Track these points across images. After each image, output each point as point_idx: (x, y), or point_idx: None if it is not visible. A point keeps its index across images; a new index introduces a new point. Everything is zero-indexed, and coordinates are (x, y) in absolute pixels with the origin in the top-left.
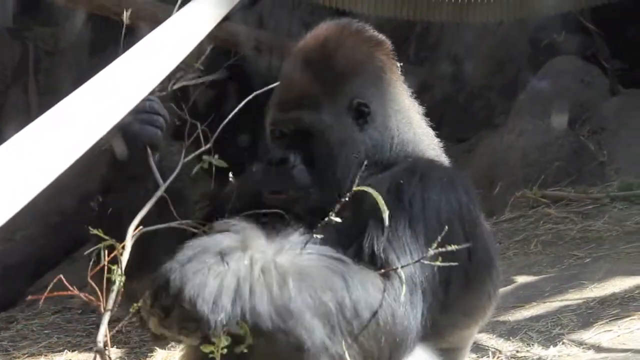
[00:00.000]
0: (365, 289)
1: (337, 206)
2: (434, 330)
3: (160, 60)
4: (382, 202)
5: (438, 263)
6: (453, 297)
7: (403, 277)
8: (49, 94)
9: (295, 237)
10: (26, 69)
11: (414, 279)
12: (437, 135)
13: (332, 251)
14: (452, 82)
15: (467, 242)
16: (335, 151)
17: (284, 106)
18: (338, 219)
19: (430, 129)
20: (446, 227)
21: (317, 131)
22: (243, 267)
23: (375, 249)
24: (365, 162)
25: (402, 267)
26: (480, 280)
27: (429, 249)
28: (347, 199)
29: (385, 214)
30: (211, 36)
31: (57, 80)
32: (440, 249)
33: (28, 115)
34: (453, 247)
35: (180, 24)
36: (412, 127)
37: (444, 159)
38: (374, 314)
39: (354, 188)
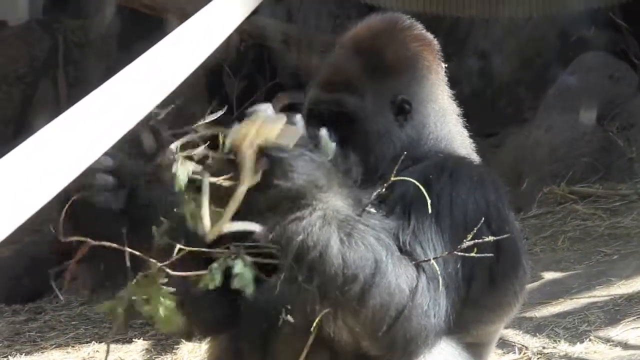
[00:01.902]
0: (391, 276)
1: (373, 197)
2: (459, 324)
3: (188, 53)
4: (425, 193)
5: (471, 254)
6: (476, 294)
7: (429, 271)
8: (79, 86)
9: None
10: (56, 61)
11: (438, 276)
12: (465, 128)
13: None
14: (481, 78)
15: (492, 240)
16: (371, 141)
17: (328, 87)
18: (373, 210)
19: (464, 129)
20: (472, 225)
21: (358, 117)
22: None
23: (401, 241)
24: (402, 156)
25: (432, 259)
26: (506, 277)
27: (457, 245)
28: (383, 190)
29: (428, 205)
30: (240, 30)
31: (87, 72)
32: (465, 246)
33: (58, 107)
34: (478, 241)
35: (208, 18)
36: (447, 126)
37: (475, 157)
38: (389, 302)
39: (392, 178)
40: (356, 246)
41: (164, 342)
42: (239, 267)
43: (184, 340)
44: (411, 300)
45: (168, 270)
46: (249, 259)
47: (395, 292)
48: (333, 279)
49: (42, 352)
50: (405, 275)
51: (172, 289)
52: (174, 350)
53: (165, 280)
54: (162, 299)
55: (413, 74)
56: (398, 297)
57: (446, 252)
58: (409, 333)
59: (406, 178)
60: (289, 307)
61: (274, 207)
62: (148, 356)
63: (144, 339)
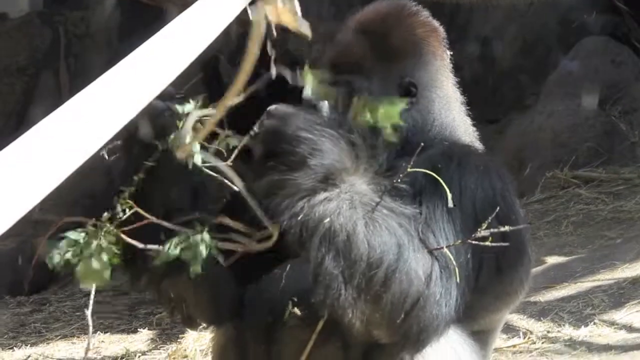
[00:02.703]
0: (412, 263)
1: (396, 180)
2: (467, 314)
3: (188, 43)
4: (443, 183)
5: (485, 243)
6: (484, 283)
7: (442, 260)
8: (80, 78)
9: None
10: (57, 53)
11: (450, 265)
12: (468, 116)
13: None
14: (482, 64)
15: (499, 230)
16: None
17: (334, 69)
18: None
19: (467, 117)
20: (481, 214)
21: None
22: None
23: (414, 228)
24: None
25: (445, 247)
26: (512, 266)
27: (467, 234)
28: (399, 181)
29: (449, 196)
30: (239, 19)
31: (88, 63)
32: (479, 235)
33: (59, 99)
34: (493, 230)
35: (208, 7)
36: (451, 113)
37: (479, 145)
38: (408, 290)
39: (408, 169)
40: (380, 230)
41: (169, 331)
42: (196, 243)
43: (188, 330)
44: (426, 288)
45: (123, 236)
46: (208, 237)
47: (415, 278)
48: (358, 263)
49: (47, 343)
50: (423, 263)
51: (116, 250)
52: (179, 340)
53: (113, 238)
54: (99, 254)
55: (419, 59)
56: (416, 284)
57: (459, 241)
58: (423, 322)
59: (420, 169)
60: (295, 299)
61: (281, 187)
62: (153, 345)
63: (149, 329)
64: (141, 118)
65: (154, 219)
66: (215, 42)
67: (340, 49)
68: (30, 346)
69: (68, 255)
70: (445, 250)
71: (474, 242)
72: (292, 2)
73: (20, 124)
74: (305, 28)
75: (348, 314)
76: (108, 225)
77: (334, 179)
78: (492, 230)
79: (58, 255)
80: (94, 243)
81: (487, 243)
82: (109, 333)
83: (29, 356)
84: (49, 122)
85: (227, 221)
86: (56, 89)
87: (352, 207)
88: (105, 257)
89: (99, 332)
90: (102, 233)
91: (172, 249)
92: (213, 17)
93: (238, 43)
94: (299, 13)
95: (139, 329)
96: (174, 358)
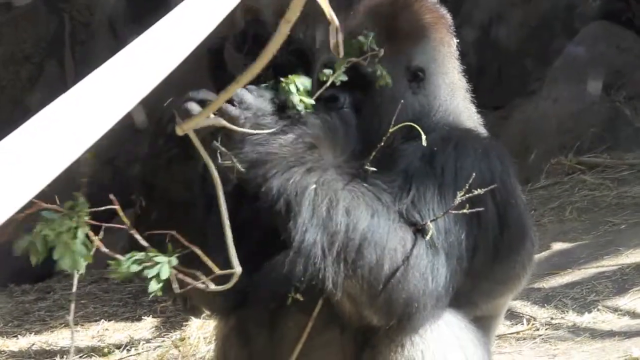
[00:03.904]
0: (387, 233)
1: (372, 156)
2: (468, 299)
3: (191, 29)
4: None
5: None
6: (481, 265)
7: (429, 238)
8: (85, 65)
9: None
10: (62, 41)
11: (437, 243)
12: (474, 103)
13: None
14: (487, 50)
15: (497, 212)
16: (385, 105)
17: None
18: (373, 168)
19: (472, 105)
20: (477, 197)
21: (373, 80)
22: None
23: (399, 209)
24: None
25: (429, 222)
26: (513, 249)
27: (462, 217)
28: (380, 145)
29: (431, 176)
30: (243, 5)
31: (93, 51)
32: (457, 203)
33: (65, 86)
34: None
35: None
36: (456, 99)
37: (482, 131)
38: (383, 259)
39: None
40: (359, 201)
41: (173, 319)
42: (163, 267)
43: (192, 318)
44: (407, 261)
45: (95, 239)
46: (175, 261)
47: (389, 249)
48: (337, 232)
49: (51, 331)
50: (401, 236)
51: (92, 237)
52: (182, 328)
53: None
54: (74, 237)
55: (426, 44)
56: (391, 254)
57: (442, 213)
58: (406, 294)
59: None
60: (297, 285)
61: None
62: (157, 333)
63: (153, 317)
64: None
65: (126, 227)
66: (219, 29)
67: (348, 32)
68: (35, 334)
69: (45, 232)
70: (429, 225)
71: (454, 211)
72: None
73: (26, 112)
74: (334, 17)
75: (328, 284)
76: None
77: (319, 151)
78: (478, 202)
79: (27, 241)
80: (68, 225)
81: (485, 220)
82: (113, 321)
83: (33, 344)
84: (52, 109)
85: (198, 251)
86: (62, 76)
87: (335, 178)
88: (80, 240)
89: (103, 319)
90: (77, 218)
91: (133, 265)
92: (217, 4)
93: (243, 29)
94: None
95: (143, 317)
96: (177, 346)
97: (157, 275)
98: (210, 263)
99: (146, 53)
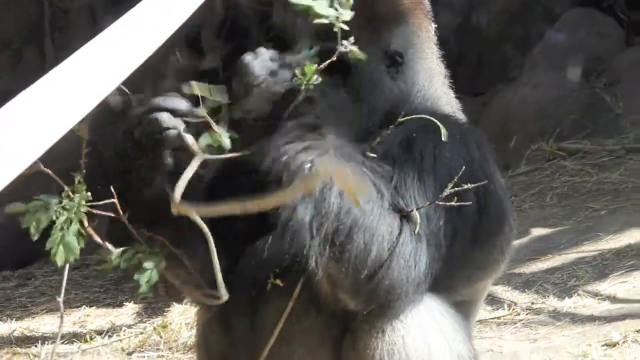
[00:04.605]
0: (377, 219)
1: (375, 143)
2: (448, 284)
3: (169, 15)
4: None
5: (454, 206)
6: (460, 251)
7: (412, 225)
8: (65, 52)
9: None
10: (42, 28)
11: (420, 231)
12: (452, 89)
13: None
14: (467, 36)
15: (476, 198)
16: (365, 89)
17: (319, 35)
18: (374, 155)
19: (451, 90)
20: (457, 182)
21: (351, 63)
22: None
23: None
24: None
25: (414, 210)
26: (491, 234)
27: (435, 201)
28: (374, 145)
29: (411, 162)
30: None
31: (74, 38)
32: (445, 195)
33: (45, 73)
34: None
35: None
36: (434, 86)
37: (461, 116)
38: (371, 245)
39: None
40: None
41: (155, 305)
42: (151, 268)
43: (174, 303)
44: (393, 248)
45: (89, 229)
46: (163, 262)
47: (377, 235)
48: (329, 214)
49: (32, 317)
50: (389, 223)
51: (88, 226)
52: (164, 313)
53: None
54: (67, 229)
55: (405, 29)
56: (379, 241)
57: (428, 203)
58: (390, 282)
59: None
60: (277, 270)
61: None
62: (139, 319)
63: (134, 303)
64: (145, 116)
65: (122, 218)
66: (197, 15)
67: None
68: (16, 320)
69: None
70: (415, 214)
71: (441, 203)
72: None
73: (5, 99)
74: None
75: (311, 264)
76: (79, 201)
77: (320, 131)
78: (462, 191)
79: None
80: (65, 217)
81: (464, 207)
82: (94, 307)
83: (14, 330)
84: (30, 92)
85: (185, 261)
86: (42, 63)
87: (334, 159)
88: (73, 232)
89: (84, 305)
90: (76, 209)
91: (121, 261)
92: None
93: (222, 16)
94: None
95: (124, 303)
96: (159, 332)
97: (148, 279)
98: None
99: (124, 36)
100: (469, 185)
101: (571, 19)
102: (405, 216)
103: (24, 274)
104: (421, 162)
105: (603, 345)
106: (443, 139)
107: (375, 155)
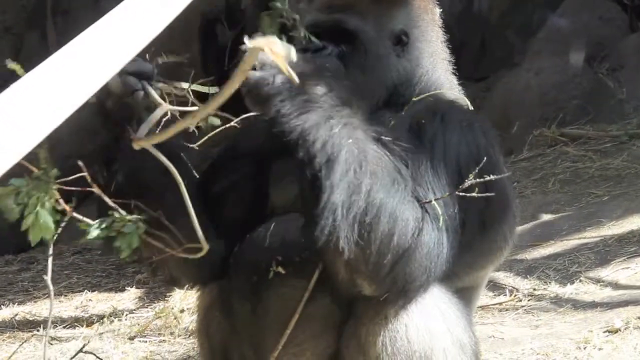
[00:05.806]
0: (401, 204)
1: (392, 124)
2: (451, 271)
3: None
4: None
5: (471, 195)
6: (468, 238)
7: (432, 213)
8: (67, 36)
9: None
10: (44, 12)
11: (439, 217)
12: (455, 75)
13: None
14: (470, 22)
15: (483, 186)
16: (370, 62)
17: (328, 10)
18: (388, 138)
19: (453, 75)
20: (465, 169)
21: (358, 36)
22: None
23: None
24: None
25: (434, 200)
26: (496, 221)
27: (453, 189)
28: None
29: (423, 149)
30: None
31: (76, 22)
32: (466, 186)
33: (47, 57)
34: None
35: None
36: (438, 69)
37: (464, 102)
38: (394, 229)
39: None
40: (383, 170)
41: (156, 290)
42: (131, 232)
43: (175, 288)
44: (416, 236)
45: (65, 206)
46: (143, 226)
47: (402, 222)
48: (358, 196)
49: (34, 302)
50: (414, 211)
51: (59, 205)
52: (166, 298)
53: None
54: (42, 205)
55: (411, 11)
56: (403, 225)
57: (447, 194)
58: (411, 270)
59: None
60: (280, 257)
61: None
62: (141, 304)
63: (136, 287)
64: (113, 83)
65: (95, 190)
66: (212, 2)
67: None
68: (18, 304)
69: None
70: (434, 202)
71: (460, 194)
72: (288, 50)
73: (7, 84)
74: (294, 75)
75: (340, 247)
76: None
77: (345, 111)
78: (480, 181)
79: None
80: (36, 196)
81: (474, 194)
82: (96, 291)
83: (16, 314)
84: (31, 77)
85: (165, 222)
86: (44, 48)
87: (364, 138)
88: (47, 210)
89: (86, 290)
90: (45, 186)
91: (101, 230)
92: None
93: (234, 3)
94: (294, 58)
95: (126, 288)
96: (161, 316)
97: (128, 243)
98: (176, 233)
99: (126, 21)
100: (480, 178)
101: (574, 4)
102: (423, 206)
103: (26, 258)
104: (432, 150)
105: (605, 332)
106: (450, 125)
107: (390, 139)
